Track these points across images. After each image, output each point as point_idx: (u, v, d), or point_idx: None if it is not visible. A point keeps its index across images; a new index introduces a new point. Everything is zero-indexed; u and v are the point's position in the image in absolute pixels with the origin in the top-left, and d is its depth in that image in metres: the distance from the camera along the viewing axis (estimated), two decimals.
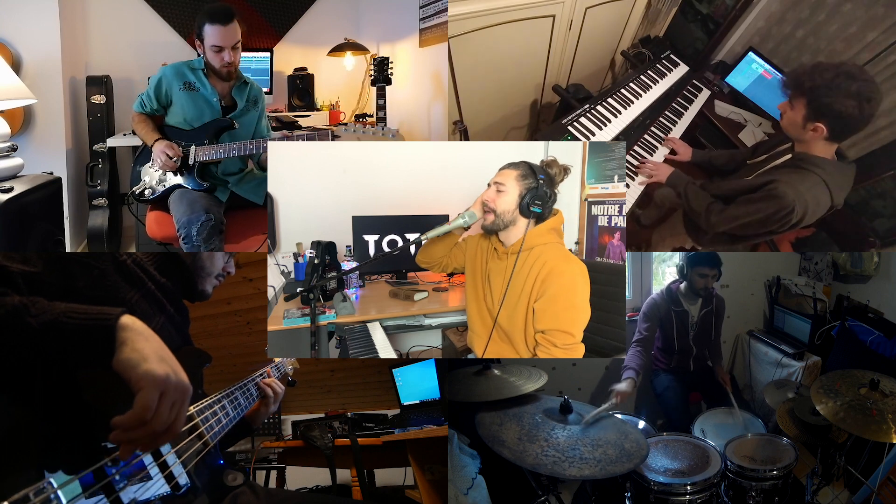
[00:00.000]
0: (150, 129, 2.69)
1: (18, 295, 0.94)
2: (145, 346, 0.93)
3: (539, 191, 1.92)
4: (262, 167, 2.85)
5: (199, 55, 2.67)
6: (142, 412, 0.89)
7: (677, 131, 2.96)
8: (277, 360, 1.91)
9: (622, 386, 2.59)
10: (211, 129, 2.64)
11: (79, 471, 0.84)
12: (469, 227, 2.06)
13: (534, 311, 1.90)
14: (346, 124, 2.42)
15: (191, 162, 2.63)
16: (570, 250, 2.08)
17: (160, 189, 2.68)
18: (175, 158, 2.60)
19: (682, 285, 2.92)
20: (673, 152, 2.81)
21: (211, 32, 2.56)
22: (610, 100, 2.88)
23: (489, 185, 2.01)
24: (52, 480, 0.79)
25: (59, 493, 0.79)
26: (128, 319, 0.95)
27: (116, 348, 0.92)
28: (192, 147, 2.63)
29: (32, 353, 0.90)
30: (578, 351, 1.90)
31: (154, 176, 2.70)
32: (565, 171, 2.02)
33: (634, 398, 3.18)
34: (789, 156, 2.28)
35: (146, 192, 2.71)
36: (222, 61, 2.61)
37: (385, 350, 2.30)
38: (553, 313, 1.88)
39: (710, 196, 2.34)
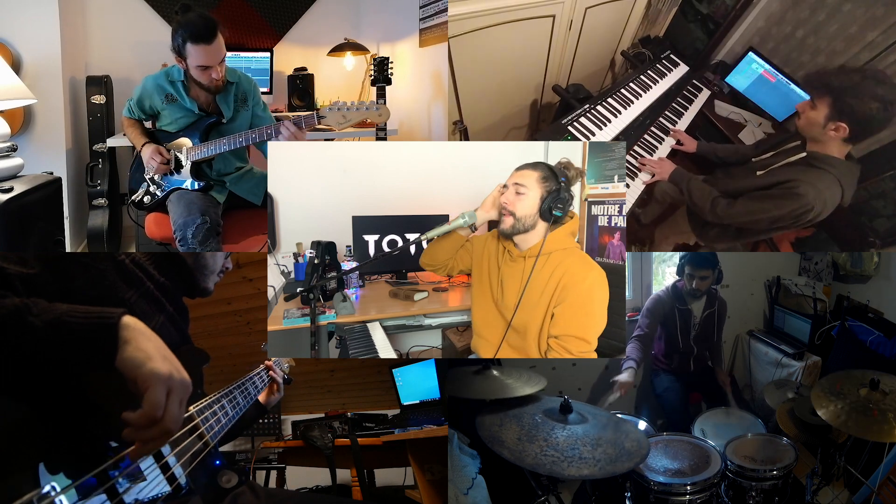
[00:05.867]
0: (138, 132, 2.67)
1: (17, 297, 0.94)
2: (148, 345, 0.94)
3: (561, 194, 1.86)
4: None
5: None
6: (152, 410, 0.89)
7: None
8: (273, 359, 1.91)
9: (623, 377, 2.64)
10: (200, 128, 2.60)
11: (82, 472, 0.84)
12: (470, 227, 2.02)
13: (553, 315, 1.87)
14: (330, 105, 2.37)
15: (184, 163, 2.62)
16: None
17: (159, 194, 2.67)
18: (166, 161, 2.57)
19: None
20: (679, 143, 2.84)
21: (195, 52, 2.38)
22: (610, 100, 2.88)
23: (506, 185, 1.93)
24: (55, 484, 0.79)
25: (62, 497, 0.79)
26: (129, 319, 0.95)
27: (119, 347, 0.92)
28: (184, 148, 2.61)
29: (35, 352, 0.89)
30: (591, 357, 1.88)
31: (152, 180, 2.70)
32: (580, 173, 1.96)
33: (635, 396, 3.19)
34: (803, 154, 2.29)
35: (145, 199, 2.70)
36: (209, 79, 2.47)
37: (385, 350, 2.29)
38: (569, 319, 1.84)
39: (714, 190, 2.37)
